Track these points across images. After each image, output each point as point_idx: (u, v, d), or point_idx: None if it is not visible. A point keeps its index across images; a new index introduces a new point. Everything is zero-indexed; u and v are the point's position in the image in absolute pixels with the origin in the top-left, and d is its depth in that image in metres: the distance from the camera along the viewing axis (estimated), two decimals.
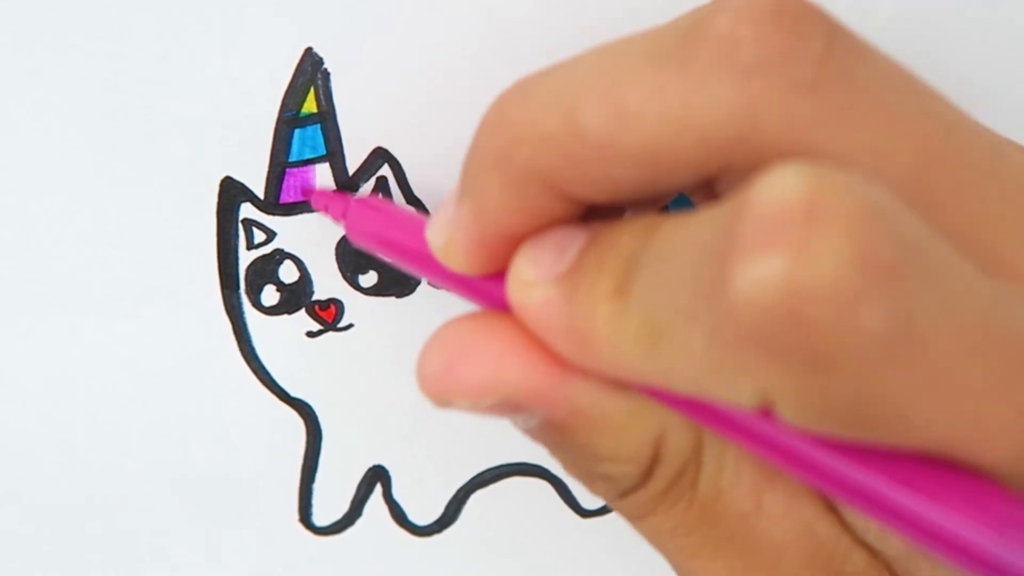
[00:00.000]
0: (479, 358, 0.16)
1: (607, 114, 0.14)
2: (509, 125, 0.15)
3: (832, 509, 0.17)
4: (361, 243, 0.21)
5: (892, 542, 0.16)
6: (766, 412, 0.14)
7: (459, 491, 0.26)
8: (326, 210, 0.23)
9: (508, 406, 0.16)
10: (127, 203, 0.23)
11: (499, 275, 0.17)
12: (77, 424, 0.25)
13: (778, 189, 0.12)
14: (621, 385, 0.16)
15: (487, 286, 0.17)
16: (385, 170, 0.23)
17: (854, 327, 0.12)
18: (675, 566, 0.18)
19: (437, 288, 0.24)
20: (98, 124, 0.22)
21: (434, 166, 0.23)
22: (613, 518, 0.27)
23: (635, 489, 0.17)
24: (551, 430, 0.17)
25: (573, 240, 0.16)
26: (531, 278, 0.16)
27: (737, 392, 0.13)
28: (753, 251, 0.12)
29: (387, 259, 0.21)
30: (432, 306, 0.25)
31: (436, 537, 0.27)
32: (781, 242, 0.12)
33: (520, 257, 0.16)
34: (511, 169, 0.15)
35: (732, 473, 0.17)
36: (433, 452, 0.26)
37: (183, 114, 0.22)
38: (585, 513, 0.27)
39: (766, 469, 0.17)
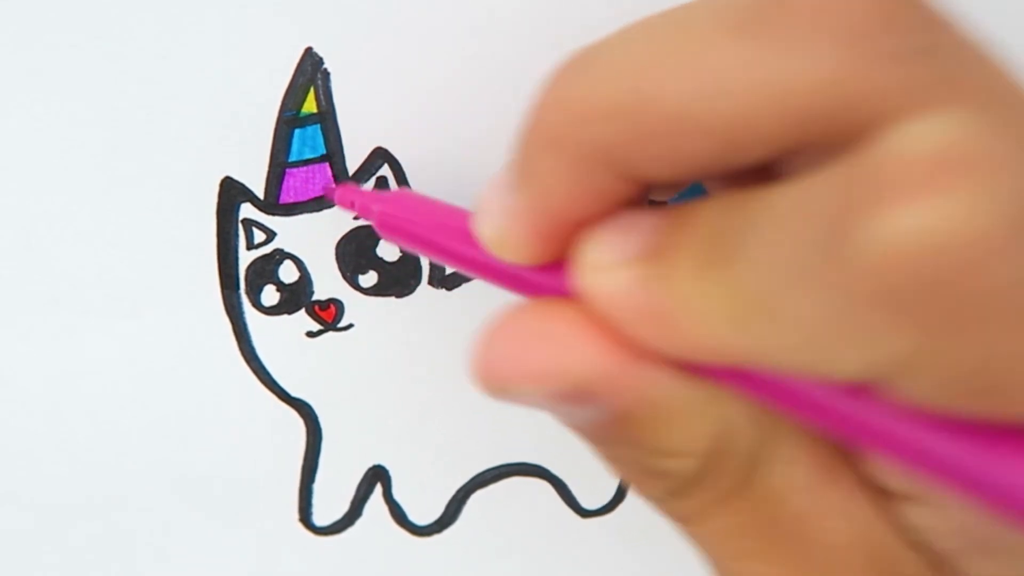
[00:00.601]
0: (548, 341, 0.15)
1: (685, 86, 0.13)
2: (571, 101, 0.14)
3: (887, 509, 0.16)
4: (394, 239, 0.20)
5: (950, 540, 0.16)
6: (864, 388, 0.13)
7: (459, 491, 0.26)
8: (352, 206, 0.22)
9: (572, 395, 0.15)
10: (127, 203, 0.23)
11: (552, 265, 0.16)
12: (77, 424, 0.25)
13: (922, 138, 0.11)
14: (693, 372, 0.15)
15: (541, 277, 0.16)
16: (385, 170, 0.23)
17: (1004, 279, 0.11)
18: (721, 570, 0.18)
19: (437, 289, 0.24)
20: (98, 124, 0.22)
21: (434, 166, 0.23)
22: (613, 518, 0.27)
23: (691, 487, 0.16)
24: (611, 422, 0.16)
25: (643, 222, 0.15)
26: (606, 262, 0.15)
27: (843, 364, 0.13)
28: (896, 201, 0.11)
29: (422, 254, 0.20)
30: (432, 306, 0.25)
31: (436, 537, 0.27)
32: (927, 190, 0.11)
33: (590, 242, 0.15)
34: (575, 148, 0.14)
35: (789, 471, 0.16)
36: (433, 452, 0.26)
37: (183, 114, 0.22)
38: (585, 513, 0.27)
39: (823, 467, 0.16)
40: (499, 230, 0.16)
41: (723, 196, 0.14)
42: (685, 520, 0.17)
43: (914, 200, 0.11)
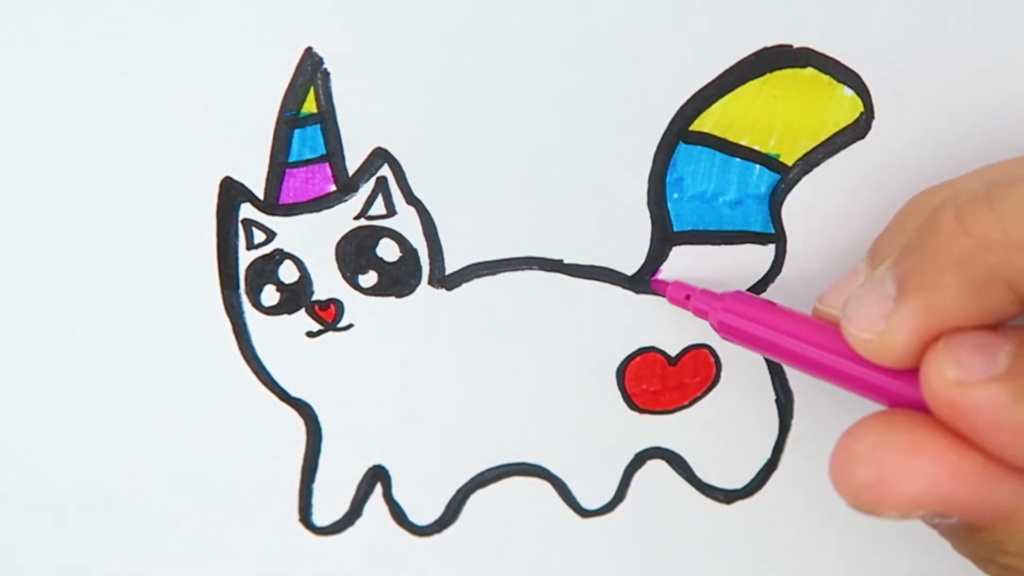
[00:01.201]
0: (911, 474, 0.17)
1: None
2: (976, 231, 0.16)
3: None
4: (733, 339, 0.22)
5: None
6: None
7: (459, 491, 0.26)
8: (686, 303, 0.24)
9: (935, 515, 0.17)
10: (127, 203, 0.23)
11: (899, 372, 0.18)
12: (77, 424, 0.25)
13: None
14: None
15: (895, 385, 0.18)
16: (385, 170, 0.23)
17: None
18: None
19: (437, 289, 0.24)
20: (98, 124, 0.22)
21: (434, 166, 0.23)
22: (613, 518, 0.27)
23: None
24: (966, 528, 0.17)
25: (996, 340, 0.17)
26: (963, 378, 0.17)
27: None
28: None
29: (761, 354, 0.23)
30: (432, 306, 0.25)
31: (436, 537, 0.27)
32: None
33: (943, 357, 0.17)
34: (977, 272, 0.16)
35: None
36: (433, 452, 0.26)
37: (183, 114, 0.22)
38: (585, 513, 0.27)
39: None
40: (879, 334, 0.18)
41: None
42: None
43: None
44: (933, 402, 0.17)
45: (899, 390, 0.18)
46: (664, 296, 0.24)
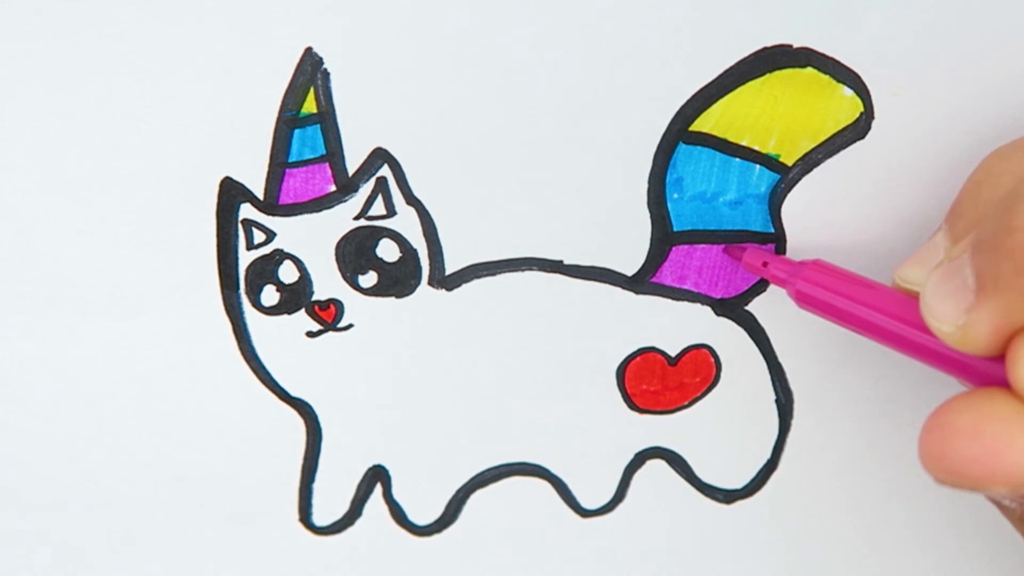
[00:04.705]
0: (1012, 443, 0.17)
1: None
2: None
3: None
4: (811, 309, 0.22)
5: None
6: None
7: (459, 491, 0.26)
8: (763, 270, 0.23)
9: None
10: (127, 203, 0.23)
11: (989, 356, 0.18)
12: (77, 424, 0.25)
13: None
14: None
15: (983, 365, 0.19)
16: (385, 170, 0.23)
17: None
18: None
19: (437, 289, 0.24)
20: (98, 124, 0.22)
21: (434, 166, 0.23)
22: (613, 518, 0.27)
23: None
24: None
25: None
26: None
27: None
28: None
29: (838, 324, 0.22)
30: (432, 306, 0.25)
31: (436, 537, 0.27)
32: None
33: None
34: None
35: None
36: (433, 452, 0.26)
37: (183, 114, 0.22)
38: (585, 513, 0.27)
39: None
40: (960, 329, 0.18)
41: None
42: None
43: None
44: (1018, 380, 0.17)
45: (989, 370, 0.18)
46: (740, 261, 0.24)
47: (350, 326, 0.25)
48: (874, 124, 0.24)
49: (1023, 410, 0.17)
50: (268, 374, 0.25)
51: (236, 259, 0.24)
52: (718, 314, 0.25)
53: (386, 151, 0.23)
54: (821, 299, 0.22)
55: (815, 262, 0.23)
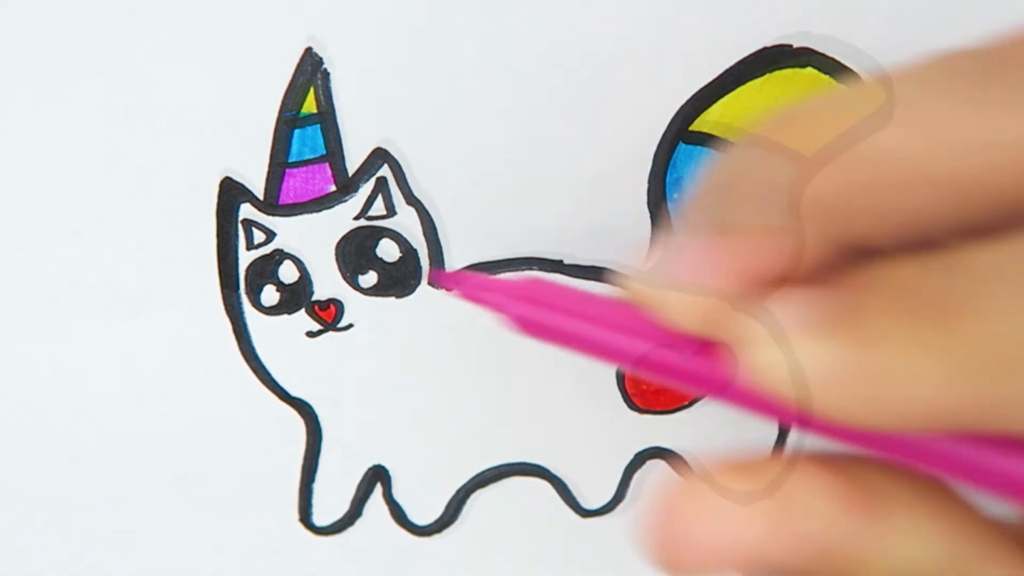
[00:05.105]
0: (726, 522, 0.16)
1: (920, 140, 0.13)
2: (795, 153, 0.14)
3: None
4: (533, 336, 0.18)
5: None
6: None
7: (459, 491, 0.26)
8: (480, 299, 0.19)
9: (755, 570, 0.16)
10: (127, 203, 0.23)
11: (708, 349, 0.15)
12: (77, 424, 0.25)
13: None
14: (879, 447, 0.15)
15: (701, 362, 0.15)
16: (385, 170, 0.23)
17: None
18: None
19: (437, 289, 0.24)
20: (98, 124, 0.22)
21: (434, 166, 0.23)
22: (613, 518, 0.27)
23: None
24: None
25: (810, 294, 0.14)
26: (801, 338, 0.14)
27: None
28: None
29: (572, 352, 0.18)
30: (432, 306, 0.25)
31: (436, 537, 0.27)
32: None
33: (773, 308, 0.14)
34: (794, 201, 0.14)
35: None
36: (433, 452, 0.26)
37: (183, 114, 0.22)
38: (585, 513, 0.27)
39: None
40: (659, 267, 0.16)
41: (938, 255, 0.14)
42: None
43: None
44: (755, 370, 0.14)
45: (716, 370, 0.16)
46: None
47: (350, 326, 0.25)
48: None
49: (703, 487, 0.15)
50: (268, 374, 0.25)
51: (236, 259, 0.24)
52: None
53: (386, 151, 0.23)
54: (547, 326, 0.17)
55: (531, 279, 0.18)
